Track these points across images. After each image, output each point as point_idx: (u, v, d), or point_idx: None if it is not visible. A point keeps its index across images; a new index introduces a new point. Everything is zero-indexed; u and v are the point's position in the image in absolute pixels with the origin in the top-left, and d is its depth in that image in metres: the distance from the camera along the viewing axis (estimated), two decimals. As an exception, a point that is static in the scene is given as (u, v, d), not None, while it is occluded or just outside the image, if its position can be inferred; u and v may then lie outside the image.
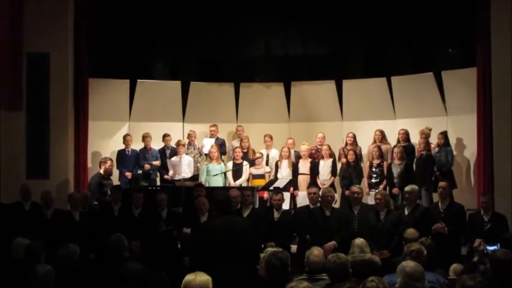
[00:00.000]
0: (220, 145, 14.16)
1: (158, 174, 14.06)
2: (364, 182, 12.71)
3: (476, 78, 12.90)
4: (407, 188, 10.42)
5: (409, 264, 5.57)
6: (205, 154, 13.92)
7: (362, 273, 5.84)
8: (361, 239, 7.79)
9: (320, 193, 10.90)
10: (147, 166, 13.74)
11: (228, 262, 7.50)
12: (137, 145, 14.08)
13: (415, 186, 10.49)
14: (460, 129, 13.75)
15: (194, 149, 14.09)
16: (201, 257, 7.81)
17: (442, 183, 10.61)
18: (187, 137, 14.29)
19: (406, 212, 10.13)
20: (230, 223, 7.84)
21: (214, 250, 7.66)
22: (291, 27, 15.56)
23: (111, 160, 13.37)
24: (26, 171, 13.34)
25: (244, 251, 8.05)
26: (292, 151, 13.56)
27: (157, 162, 13.88)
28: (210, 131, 14.42)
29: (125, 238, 7.09)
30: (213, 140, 14.17)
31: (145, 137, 13.93)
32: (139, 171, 13.83)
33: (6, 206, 11.15)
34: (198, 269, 5.24)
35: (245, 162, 13.31)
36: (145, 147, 13.95)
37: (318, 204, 10.54)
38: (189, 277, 5.07)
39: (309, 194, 10.81)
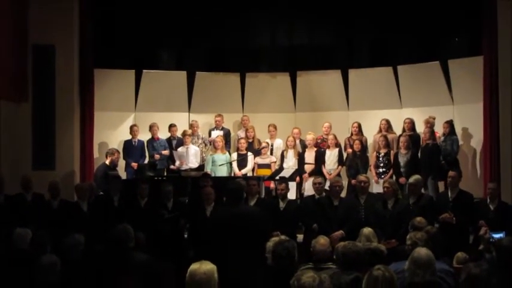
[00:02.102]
0: (225, 135, 14.14)
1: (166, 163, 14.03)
2: (371, 171, 12.68)
3: (482, 67, 12.90)
4: (410, 180, 10.35)
5: (418, 251, 5.56)
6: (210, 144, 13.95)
7: (368, 262, 5.82)
8: (369, 229, 7.77)
9: (328, 183, 10.90)
10: (157, 156, 13.74)
11: (242, 251, 7.49)
12: (143, 136, 14.09)
13: (418, 177, 10.45)
14: (466, 118, 13.72)
15: (198, 138, 14.09)
16: (212, 246, 7.80)
17: (451, 173, 10.55)
18: (190, 127, 14.28)
19: (411, 202, 10.10)
20: (243, 212, 7.87)
21: (227, 239, 7.67)
22: (296, 16, 15.55)
23: (118, 152, 13.36)
24: (32, 162, 13.39)
25: (258, 239, 8.05)
26: (297, 141, 13.54)
27: (166, 152, 13.87)
28: (216, 121, 14.40)
29: (130, 228, 7.08)
30: (221, 132, 14.16)
31: (152, 127, 13.94)
32: (145, 162, 13.83)
33: (9, 197, 11.15)
34: (206, 259, 5.22)
35: (249, 153, 13.30)
36: (152, 137, 13.96)
37: (323, 194, 10.54)
38: (194, 266, 5.06)
39: (314, 184, 10.79)
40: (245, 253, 7.47)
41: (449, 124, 12.87)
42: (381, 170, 12.60)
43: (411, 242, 6.55)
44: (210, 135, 14.29)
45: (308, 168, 13.02)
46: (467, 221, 10.12)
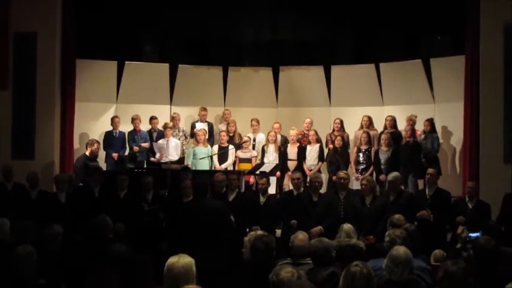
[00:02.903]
0: (209, 129, 14.12)
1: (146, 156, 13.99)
2: (351, 167, 12.71)
3: (464, 66, 12.95)
4: (389, 178, 10.39)
5: (397, 249, 5.58)
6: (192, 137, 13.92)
7: (347, 258, 5.84)
8: (349, 225, 7.78)
9: (308, 179, 10.93)
10: (136, 148, 13.69)
11: (206, 244, 7.66)
12: (125, 127, 14.03)
13: (397, 174, 10.51)
14: (447, 116, 13.80)
15: (179, 131, 14.06)
16: (180, 238, 7.98)
17: (430, 170, 10.63)
18: (171, 120, 14.25)
19: (392, 199, 10.13)
20: (206, 206, 8.08)
21: (191, 231, 7.86)
22: (280, 11, 15.53)
23: (98, 143, 13.27)
24: (11, 151, 13.28)
25: (223, 233, 8.26)
26: (278, 136, 13.55)
27: (146, 144, 13.81)
28: (201, 114, 14.37)
29: (109, 220, 7.07)
30: (205, 125, 14.14)
31: (134, 119, 13.88)
32: (126, 153, 13.79)
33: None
34: (177, 251, 5.23)
35: (231, 146, 13.29)
36: (134, 129, 13.90)
37: (301, 190, 10.55)
38: (172, 259, 5.06)
39: (292, 179, 10.81)
40: (210, 246, 7.63)
41: (430, 122, 12.95)
42: (361, 166, 12.62)
43: (389, 239, 6.56)
44: (192, 127, 14.24)
45: (291, 164, 13.01)
46: (444, 219, 10.16)
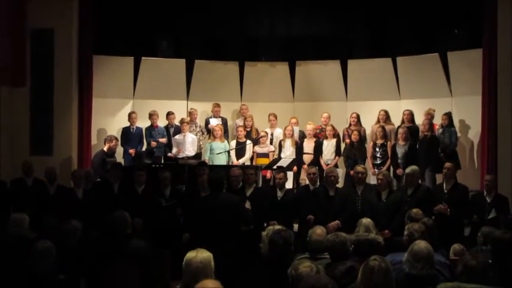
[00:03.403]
0: (223, 124, 14.14)
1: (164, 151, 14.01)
2: (368, 162, 12.68)
3: (481, 59, 12.88)
4: (407, 170, 10.40)
5: (418, 244, 5.59)
6: (208, 132, 13.94)
7: (365, 252, 5.83)
8: (368, 219, 7.78)
9: (324, 173, 10.93)
10: (153, 143, 13.72)
11: (223, 238, 7.68)
12: (142, 123, 14.07)
13: (415, 167, 10.47)
14: (465, 110, 13.73)
15: (196, 127, 14.08)
16: (197, 233, 8.01)
17: (447, 164, 10.57)
18: (189, 115, 14.29)
19: (409, 193, 10.11)
20: (222, 200, 8.11)
21: (207, 226, 7.89)
22: (296, 6, 15.48)
23: (117, 139, 13.33)
24: (29, 147, 13.39)
25: (239, 227, 8.29)
26: (296, 130, 13.54)
27: (163, 140, 13.84)
28: (214, 110, 14.41)
29: (128, 215, 7.09)
30: (219, 120, 14.15)
31: (152, 115, 13.90)
32: (143, 149, 13.83)
33: (4, 183, 11.16)
34: (197, 246, 5.24)
35: (248, 141, 13.30)
36: (151, 125, 13.93)
37: (318, 184, 10.55)
38: (190, 254, 5.08)
39: (308, 174, 10.82)
40: (227, 240, 7.66)
41: (448, 116, 12.89)
42: (378, 161, 12.58)
43: (408, 233, 6.56)
44: (206, 123, 14.26)
45: (307, 158, 13.02)
46: (462, 213, 10.12)
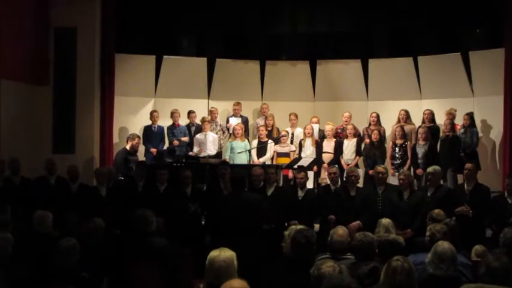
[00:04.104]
0: (244, 123, 14.17)
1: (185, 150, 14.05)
2: (387, 162, 12.65)
3: (503, 59, 12.83)
4: (429, 169, 10.37)
5: (442, 245, 5.59)
6: (229, 132, 13.98)
7: (386, 253, 5.85)
8: (388, 219, 7.78)
9: (344, 173, 10.93)
10: (175, 142, 13.77)
11: (245, 237, 7.70)
12: (163, 121, 14.13)
13: (437, 167, 10.45)
14: (486, 110, 13.67)
15: (216, 125, 14.13)
16: (220, 232, 8.05)
17: (468, 165, 10.51)
18: (209, 114, 14.33)
19: (429, 193, 10.10)
20: (244, 199, 8.15)
21: (230, 225, 7.93)
22: (317, 4, 15.50)
23: (139, 137, 13.37)
24: (52, 145, 13.50)
25: (261, 226, 8.33)
26: (316, 129, 13.55)
27: (186, 138, 13.90)
28: (234, 109, 14.43)
29: (151, 213, 7.14)
30: (239, 119, 14.19)
31: (173, 113, 13.98)
32: (164, 148, 13.89)
33: (29, 180, 11.24)
34: (219, 245, 5.27)
35: (270, 141, 13.31)
36: (173, 124, 13.99)
37: (339, 184, 10.55)
38: (213, 253, 5.10)
39: (329, 174, 10.77)
40: (249, 239, 7.69)
41: (470, 116, 12.84)
42: (397, 161, 12.53)
43: (430, 233, 6.56)
44: (227, 122, 14.30)
45: (326, 157, 13.02)
46: (483, 214, 10.07)
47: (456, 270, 5.55)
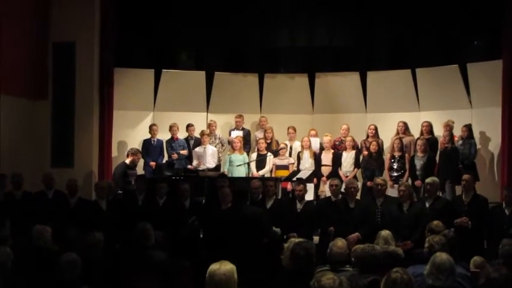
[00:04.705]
0: (245, 136, 14.19)
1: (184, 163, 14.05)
2: (386, 174, 12.66)
3: (501, 71, 12.85)
4: (428, 180, 10.41)
5: (440, 256, 5.59)
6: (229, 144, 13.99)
7: (385, 265, 5.85)
8: (387, 231, 7.79)
9: (343, 185, 10.96)
10: (174, 156, 13.78)
11: (247, 250, 7.71)
12: (162, 135, 14.15)
13: (435, 178, 10.51)
14: (485, 122, 13.67)
15: (215, 139, 14.14)
16: (219, 245, 8.07)
17: (465, 176, 10.54)
18: (208, 127, 14.34)
19: (427, 204, 10.11)
20: (247, 212, 8.17)
21: (231, 238, 7.94)
22: (315, 18, 15.52)
23: (141, 152, 13.44)
24: (50, 159, 13.51)
25: (262, 240, 8.34)
26: (315, 141, 13.57)
27: (184, 152, 13.92)
28: (236, 122, 14.45)
29: (150, 227, 7.15)
30: (241, 132, 14.21)
31: (172, 127, 13.99)
32: (163, 161, 13.90)
33: (30, 194, 11.24)
34: (219, 258, 5.27)
35: (269, 153, 13.33)
36: (172, 138, 14.01)
37: (340, 196, 10.56)
38: (213, 266, 5.09)
39: (330, 186, 10.79)
40: (250, 253, 7.70)
41: (468, 128, 12.85)
42: (395, 173, 12.55)
43: (429, 245, 6.57)
44: (230, 135, 14.32)
45: (325, 170, 13.05)
46: (482, 225, 10.07)
47: (455, 281, 5.55)
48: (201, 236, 10.30)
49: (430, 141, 12.80)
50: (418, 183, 12.05)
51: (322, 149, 13.45)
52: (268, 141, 13.71)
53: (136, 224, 7.22)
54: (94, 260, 6.88)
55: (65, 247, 7.17)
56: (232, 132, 14.36)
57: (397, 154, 12.62)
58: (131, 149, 13.47)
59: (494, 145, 13.46)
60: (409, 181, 12.19)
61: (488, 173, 13.53)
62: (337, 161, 13.06)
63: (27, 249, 7.46)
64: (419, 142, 12.54)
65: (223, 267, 5.07)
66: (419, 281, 5.56)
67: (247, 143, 14.16)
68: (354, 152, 13.06)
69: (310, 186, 12.19)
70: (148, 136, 14.08)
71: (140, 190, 11.14)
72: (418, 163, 12.31)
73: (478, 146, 13.13)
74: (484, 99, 13.78)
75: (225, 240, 8.23)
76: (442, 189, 11.75)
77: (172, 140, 13.99)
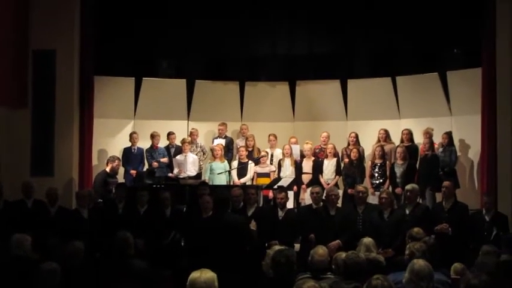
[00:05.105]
0: (228, 144, 14.18)
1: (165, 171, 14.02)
2: (367, 181, 12.70)
3: (481, 79, 12.91)
4: (408, 187, 10.46)
5: (418, 263, 5.59)
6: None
7: (367, 272, 5.85)
8: (369, 239, 7.82)
9: (324, 192, 10.97)
10: (155, 164, 13.75)
11: (228, 259, 7.70)
12: (143, 143, 14.11)
13: (415, 185, 10.58)
14: (464, 129, 13.75)
15: (196, 147, 14.12)
16: (201, 253, 8.05)
17: (446, 183, 10.60)
18: (190, 135, 14.31)
19: (407, 211, 10.15)
20: (228, 220, 8.17)
21: (213, 246, 7.93)
22: (296, 26, 15.61)
23: (119, 160, 13.42)
24: (30, 168, 13.38)
25: (244, 248, 8.33)
26: (296, 149, 13.58)
27: (165, 160, 13.90)
28: (219, 129, 14.45)
29: (130, 236, 7.12)
30: (223, 140, 14.20)
31: (154, 136, 13.95)
32: (144, 169, 13.86)
33: (9, 204, 11.16)
34: (200, 266, 5.25)
35: (250, 161, 13.32)
36: (151, 146, 13.96)
37: (321, 204, 10.57)
38: (194, 274, 5.08)
39: (311, 193, 10.82)
40: (231, 261, 7.69)
41: (448, 135, 12.93)
42: (376, 181, 12.60)
43: (409, 252, 6.58)
44: (213, 143, 14.29)
45: (305, 177, 13.07)
46: (462, 232, 10.11)
47: (434, 287, 5.56)
48: (182, 244, 10.29)
49: (411, 149, 12.85)
50: (398, 190, 12.08)
51: (303, 156, 13.44)
52: (250, 149, 13.70)
53: (117, 233, 7.17)
54: (74, 269, 6.84)
55: (44, 256, 7.12)
56: (215, 140, 14.33)
57: (378, 161, 12.67)
58: (110, 156, 13.47)
59: (474, 152, 13.53)
60: (390, 189, 12.22)
61: (468, 180, 13.60)
62: (317, 169, 13.07)
63: (7, 259, 7.41)
64: (398, 150, 12.59)
65: (204, 275, 5.06)
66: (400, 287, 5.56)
67: (229, 151, 14.14)
68: (335, 159, 13.08)
69: (291, 194, 12.19)
70: (129, 144, 14.01)
71: (120, 198, 11.10)
72: (398, 170, 12.36)
73: (458, 153, 13.19)
74: (463, 107, 13.86)
75: (206, 248, 8.20)
76: (422, 196, 11.80)
77: (152, 149, 13.95)
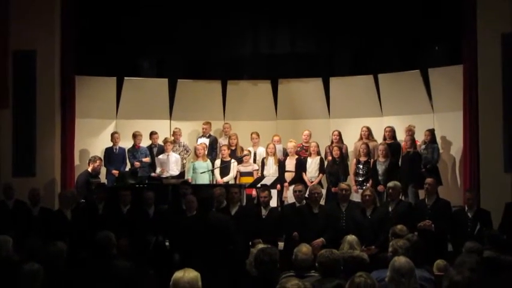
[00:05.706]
0: (212, 143, 14.15)
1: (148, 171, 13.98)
2: (351, 179, 12.71)
3: (462, 75, 12.97)
4: (390, 184, 10.48)
5: (398, 260, 5.59)
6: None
7: (350, 269, 5.85)
8: (353, 236, 7.81)
9: (307, 190, 10.97)
10: (137, 164, 13.70)
11: (212, 257, 7.70)
12: (125, 143, 14.06)
13: (397, 182, 10.57)
14: (447, 126, 13.81)
15: (180, 146, 14.08)
16: (186, 252, 8.04)
17: (428, 180, 10.63)
18: (173, 135, 14.28)
19: (390, 209, 10.17)
20: (212, 220, 8.16)
21: (197, 245, 7.92)
22: (278, 24, 15.60)
23: (101, 159, 13.36)
24: (12, 168, 13.30)
25: (227, 246, 8.32)
26: (279, 148, 13.58)
27: (147, 159, 13.86)
28: (203, 128, 14.41)
29: (113, 235, 7.09)
30: (207, 140, 14.16)
31: (136, 136, 13.90)
32: (126, 169, 13.81)
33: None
34: (184, 266, 5.24)
35: (233, 160, 13.30)
36: (133, 146, 13.92)
37: (304, 202, 10.57)
38: (177, 274, 5.06)
39: (294, 192, 10.80)
40: (215, 260, 7.68)
41: (431, 132, 12.95)
42: (360, 178, 12.62)
43: (392, 249, 6.59)
44: (197, 142, 14.25)
45: (288, 176, 13.06)
46: (445, 228, 10.13)
47: (416, 283, 5.57)
48: (166, 243, 10.26)
49: (393, 146, 12.88)
50: (380, 188, 12.10)
51: (286, 154, 13.44)
52: (233, 148, 13.68)
53: (99, 233, 7.14)
54: (57, 269, 6.79)
55: (26, 257, 7.07)
56: (199, 139, 14.30)
57: (362, 159, 12.69)
58: (92, 156, 13.42)
59: (456, 149, 13.59)
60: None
61: (450, 177, 13.66)
62: (300, 167, 13.07)
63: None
64: (380, 147, 12.63)
65: (187, 274, 5.03)
66: (383, 285, 5.56)
67: (213, 150, 14.11)
68: (318, 157, 13.08)
69: (274, 193, 12.20)
70: (111, 144, 13.96)
71: (100, 199, 11.04)
72: (380, 168, 12.39)
73: (441, 151, 13.24)
74: (445, 104, 13.91)
75: (190, 248, 8.19)
76: (404, 194, 11.84)
77: (134, 149, 13.90)
